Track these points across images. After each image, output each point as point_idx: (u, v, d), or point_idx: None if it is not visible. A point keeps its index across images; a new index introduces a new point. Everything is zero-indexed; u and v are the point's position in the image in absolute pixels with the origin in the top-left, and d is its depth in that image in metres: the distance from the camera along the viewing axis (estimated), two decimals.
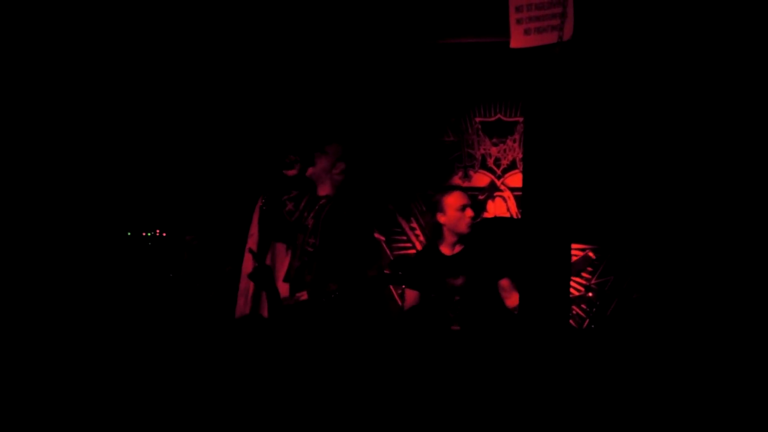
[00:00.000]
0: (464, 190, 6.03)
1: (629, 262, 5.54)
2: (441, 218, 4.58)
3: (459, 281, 4.43)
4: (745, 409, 4.08)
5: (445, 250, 4.55)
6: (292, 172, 4.55)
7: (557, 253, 3.61)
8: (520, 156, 5.88)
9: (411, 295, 4.53)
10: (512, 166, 6.00)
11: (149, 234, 5.71)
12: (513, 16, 3.70)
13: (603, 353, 4.94)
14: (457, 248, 4.53)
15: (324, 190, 4.58)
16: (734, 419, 4.05)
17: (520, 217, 5.83)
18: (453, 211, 4.52)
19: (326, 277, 4.34)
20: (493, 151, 6.05)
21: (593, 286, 5.65)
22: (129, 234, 5.71)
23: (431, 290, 4.48)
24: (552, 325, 3.56)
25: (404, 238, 6.14)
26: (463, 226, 4.50)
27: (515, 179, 5.95)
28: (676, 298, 4.99)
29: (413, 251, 6.12)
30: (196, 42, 5.84)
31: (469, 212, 4.49)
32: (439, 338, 4.31)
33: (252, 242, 4.66)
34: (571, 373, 3.70)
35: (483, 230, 4.62)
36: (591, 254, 5.54)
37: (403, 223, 6.15)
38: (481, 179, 6.04)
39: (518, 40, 3.69)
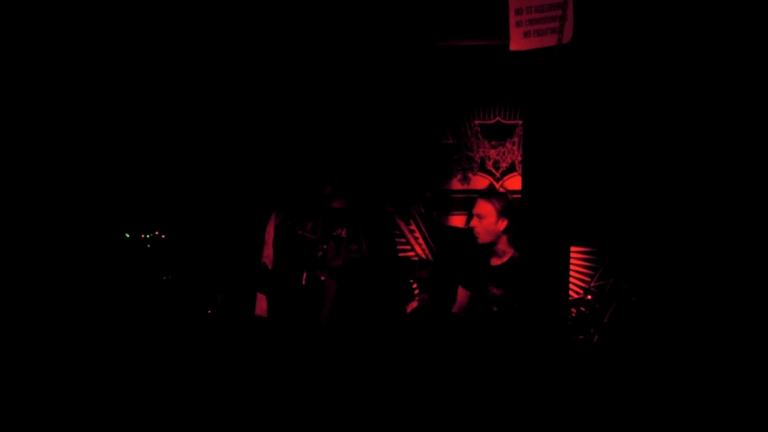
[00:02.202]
0: (463, 192, 6.05)
1: (629, 264, 5.54)
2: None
3: (499, 292, 4.41)
4: (746, 414, 4.07)
5: (493, 259, 4.52)
6: (328, 190, 4.65)
7: (556, 256, 3.60)
8: (519, 159, 5.88)
9: (462, 295, 4.55)
10: (511, 169, 6.00)
11: (148, 236, 5.70)
12: (512, 19, 3.69)
13: (601, 356, 4.93)
14: (503, 259, 4.49)
15: (339, 203, 4.69)
16: (736, 423, 4.04)
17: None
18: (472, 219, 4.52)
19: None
20: (492, 153, 6.05)
21: (592, 288, 5.64)
22: (127, 235, 5.70)
23: (480, 294, 4.49)
24: (551, 327, 3.56)
25: (403, 240, 6.13)
26: (474, 234, 4.48)
27: (514, 182, 5.95)
28: (675, 300, 4.98)
29: (412, 253, 6.12)
30: (197, 46, 5.84)
31: (477, 223, 4.44)
32: (470, 345, 4.29)
33: (268, 261, 4.74)
34: (570, 376, 3.70)
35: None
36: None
37: (402, 226, 6.14)
38: (479, 182, 6.04)
39: (518, 42, 3.68)
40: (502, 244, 4.46)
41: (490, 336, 4.33)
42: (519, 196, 5.73)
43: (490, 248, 4.48)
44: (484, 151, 6.06)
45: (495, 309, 4.42)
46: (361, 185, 4.75)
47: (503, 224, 4.44)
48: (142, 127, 5.93)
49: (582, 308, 5.59)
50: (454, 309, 4.62)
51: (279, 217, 4.70)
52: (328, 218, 4.68)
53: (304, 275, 4.72)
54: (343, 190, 4.67)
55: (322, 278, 4.60)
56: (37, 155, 5.58)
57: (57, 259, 5.53)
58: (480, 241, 4.48)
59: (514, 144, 5.98)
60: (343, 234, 4.61)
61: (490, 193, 4.80)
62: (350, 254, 4.57)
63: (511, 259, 4.46)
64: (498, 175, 6.03)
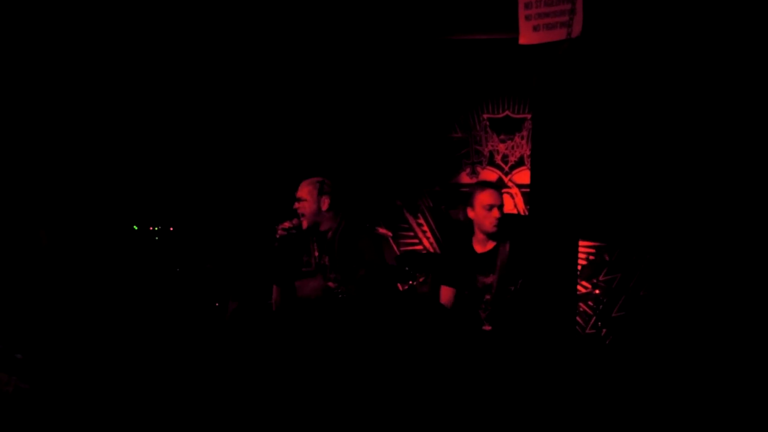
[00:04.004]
0: (471, 186, 6.06)
1: (636, 259, 5.53)
2: (470, 213, 4.51)
3: (490, 279, 4.39)
4: (754, 410, 4.07)
5: (477, 247, 4.48)
6: (293, 235, 4.50)
7: (564, 250, 3.60)
8: (528, 153, 5.88)
9: (447, 293, 4.53)
10: (520, 163, 6.00)
11: (156, 228, 5.72)
12: (522, 13, 3.69)
13: (609, 351, 4.94)
14: (489, 246, 4.46)
15: (323, 226, 4.53)
16: (743, 420, 4.03)
17: (527, 213, 5.83)
18: (480, 208, 4.45)
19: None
20: (501, 147, 6.04)
21: (600, 283, 5.64)
22: (135, 228, 5.72)
23: (465, 288, 4.45)
24: (559, 321, 3.56)
25: (411, 233, 6.14)
26: (488, 225, 4.42)
27: (523, 176, 5.95)
28: (684, 295, 4.98)
29: (420, 246, 6.13)
30: (214, 49, 5.87)
31: (496, 212, 4.40)
32: (469, 338, 4.26)
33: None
34: (578, 371, 3.70)
35: (511, 228, 4.52)
36: (606, 256, 5.52)
37: (410, 219, 6.15)
38: (488, 176, 6.04)
39: (527, 36, 3.68)
40: (493, 233, 4.45)
41: (487, 334, 4.32)
42: (527, 190, 5.77)
43: (485, 237, 4.47)
44: (492, 145, 6.06)
45: (488, 297, 4.40)
46: (347, 204, 4.59)
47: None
48: (156, 127, 5.97)
49: (590, 303, 5.60)
50: (442, 302, 4.59)
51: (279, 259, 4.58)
52: (317, 244, 4.57)
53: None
54: (317, 216, 4.47)
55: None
56: (54, 152, 5.63)
57: (66, 250, 5.55)
58: (498, 230, 4.44)
59: (522, 138, 5.98)
60: (327, 262, 4.50)
61: (490, 184, 4.75)
62: (330, 281, 4.46)
63: (497, 245, 4.44)
64: (506, 169, 6.02)
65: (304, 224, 4.47)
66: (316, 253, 4.55)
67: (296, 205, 4.50)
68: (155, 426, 4.18)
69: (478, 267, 4.43)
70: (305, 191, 4.49)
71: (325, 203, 4.48)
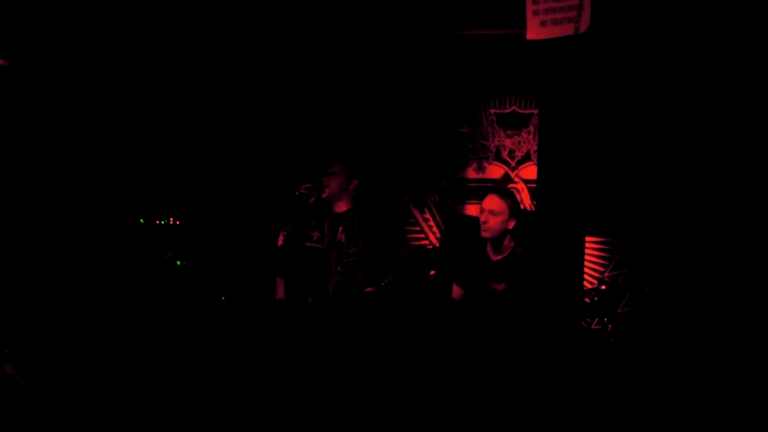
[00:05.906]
0: (478, 181, 6.03)
1: (643, 255, 5.53)
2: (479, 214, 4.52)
3: (501, 287, 4.37)
4: (757, 407, 4.07)
5: (491, 254, 4.45)
6: (311, 201, 4.69)
7: (571, 246, 3.61)
8: (535, 148, 5.87)
9: (458, 291, 4.54)
10: (526, 158, 5.99)
11: (162, 222, 5.73)
12: (530, 8, 3.70)
13: (615, 346, 4.94)
14: (504, 254, 4.43)
15: (341, 207, 4.73)
16: (746, 417, 4.04)
17: (533, 209, 5.83)
18: (479, 210, 4.44)
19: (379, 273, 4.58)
20: (508, 142, 6.04)
21: (606, 279, 5.64)
22: (142, 221, 5.73)
23: (476, 291, 4.45)
24: (565, 317, 3.57)
25: (417, 228, 6.14)
26: (481, 229, 4.41)
27: (529, 171, 5.94)
28: (689, 291, 4.98)
29: (426, 242, 6.13)
30: (223, 49, 5.89)
31: (487, 217, 4.36)
32: (477, 336, 4.26)
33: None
34: (584, 366, 3.70)
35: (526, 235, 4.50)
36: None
37: (417, 214, 6.15)
38: (495, 171, 6.03)
39: (534, 31, 3.69)
40: (506, 240, 4.41)
41: (494, 330, 4.31)
42: (534, 185, 5.77)
43: (492, 244, 4.42)
44: (499, 140, 6.06)
45: (498, 303, 4.38)
46: (363, 184, 4.74)
47: (513, 223, 4.39)
48: (159, 126, 6.00)
49: (596, 298, 5.60)
50: (454, 296, 4.60)
51: (286, 232, 4.70)
52: (332, 224, 4.70)
53: (310, 298, 4.77)
54: (341, 193, 4.68)
55: (331, 288, 4.64)
56: (53, 145, 5.64)
57: (71, 244, 5.57)
58: (489, 235, 4.41)
59: (529, 133, 5.97)
60: (343, 239, 4.63)
61: (501, 190, 4.73)
62: (347, 258, 4.60)
63: (511, 252, 4.41)
64: (513, 164, 6.02)
65: (326, 193, 4.66)
66: (329, 232, 4.67)
67: (325, 177, 4.71)
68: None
69: (491, 274, 4.40)
70: (339, 167, 4.73)
71: (354, 183, 4.71)
